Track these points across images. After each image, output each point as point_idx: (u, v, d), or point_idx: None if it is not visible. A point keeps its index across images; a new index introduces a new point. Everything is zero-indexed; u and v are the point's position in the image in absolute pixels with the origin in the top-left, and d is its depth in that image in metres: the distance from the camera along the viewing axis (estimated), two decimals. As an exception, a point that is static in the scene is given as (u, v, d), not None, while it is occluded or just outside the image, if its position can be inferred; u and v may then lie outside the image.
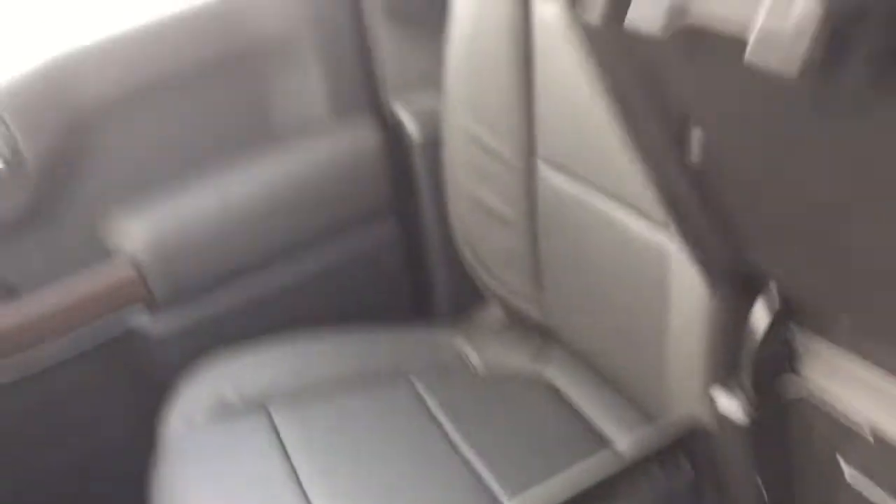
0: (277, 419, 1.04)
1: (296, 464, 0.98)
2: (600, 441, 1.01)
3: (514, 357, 1.15)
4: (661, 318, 0.87)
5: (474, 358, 1.16)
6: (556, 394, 1.09)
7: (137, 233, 1.13)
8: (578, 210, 0.98)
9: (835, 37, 0.39)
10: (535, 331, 1.16)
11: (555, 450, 1.00)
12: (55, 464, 1.19)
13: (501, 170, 1.06)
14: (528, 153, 1.04)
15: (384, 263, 1.28)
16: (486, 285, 1.16)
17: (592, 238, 0.97)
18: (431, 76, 1.17)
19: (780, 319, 0.67)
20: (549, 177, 1.02)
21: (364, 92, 1.24)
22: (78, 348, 1.14)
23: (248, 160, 1.20)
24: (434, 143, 1.17)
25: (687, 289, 0.81)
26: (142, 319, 1.16)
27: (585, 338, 1.06)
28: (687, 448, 0.84)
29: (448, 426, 1.03)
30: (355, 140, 1.23)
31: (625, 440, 0.98)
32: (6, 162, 1.06)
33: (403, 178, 1.24)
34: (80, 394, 1.18)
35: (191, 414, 1.06)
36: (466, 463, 0.98)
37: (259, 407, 1.06)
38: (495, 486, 0.95)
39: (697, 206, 0.63)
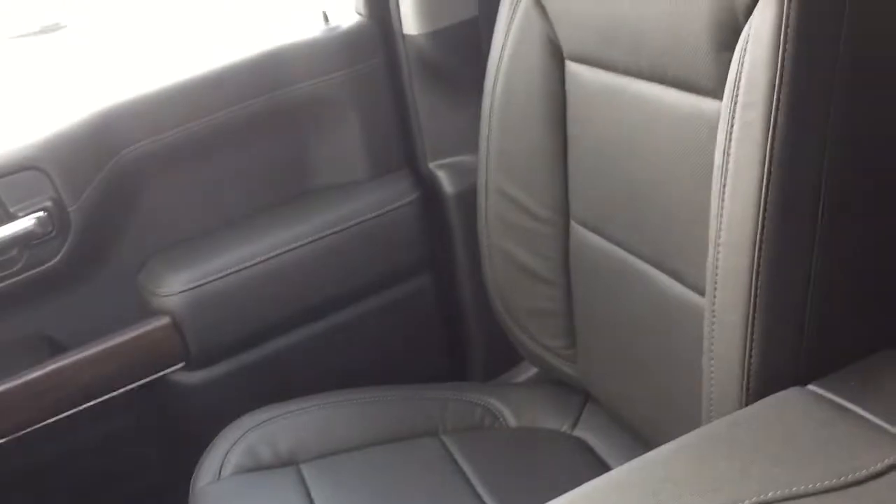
0: (307, 476, 1.04)
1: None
2: None
3: (548, 416, 1.14)
4: (700, 381, 0.86)
5: (508, 417, 1.15)
6: (590, 454, 1.07)
7: (176, 288, 1.15)
8: (614, 270, 0.97)
9: None
10: (571, 389, 1.15)
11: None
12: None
13: (535, 227, 1.07)
14: (562, 213, 1.05)
15: (419, 319, 1.28)
16: (520, 342, 1.15)
17: (629, 298, 0.96)
18: (467, 134, 1.19)
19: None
20: (584, 237, 1.02)
21: (401, 150, 1.25)
22: (114, 401, 1.15)
23: (287, 215, 1.22)
24: (469, 200, 1.17)
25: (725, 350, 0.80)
26: (178, 374, 1.17)
27: (622, 398, 1.05)
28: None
29: (475, 481, 1.02)
30: (392, 197, 1.24)
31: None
32: (50, 214, 1.09)
33: (439, 234, 1.25)
34: (115, 445, 1.19)
35: (223, 468, 1.06)
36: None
37: (290, 463, 1.06)
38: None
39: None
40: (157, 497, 1.22)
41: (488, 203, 1.12)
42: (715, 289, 0.73)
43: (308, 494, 1.01)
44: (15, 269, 1.09)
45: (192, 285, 1.15)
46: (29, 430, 1.10)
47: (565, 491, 1.04)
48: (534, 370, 1.23)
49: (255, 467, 1.06)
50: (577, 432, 1.11)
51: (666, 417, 0.97)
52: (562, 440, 1.11)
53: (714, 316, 0.74)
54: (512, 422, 1.14)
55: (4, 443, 1.09)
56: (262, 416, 1.13)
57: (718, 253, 0.72)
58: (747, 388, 0.72)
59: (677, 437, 0.97)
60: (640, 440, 1.05)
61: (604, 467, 1.05)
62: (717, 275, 0.73)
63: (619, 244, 0.96)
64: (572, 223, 1.04)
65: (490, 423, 1.14)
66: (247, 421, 1.11)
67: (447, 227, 1.24)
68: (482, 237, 1.14)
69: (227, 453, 1.08)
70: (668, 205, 0.86)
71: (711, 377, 0.77)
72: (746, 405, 0.74)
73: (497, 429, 1.14)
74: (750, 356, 0.72)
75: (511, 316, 1.15)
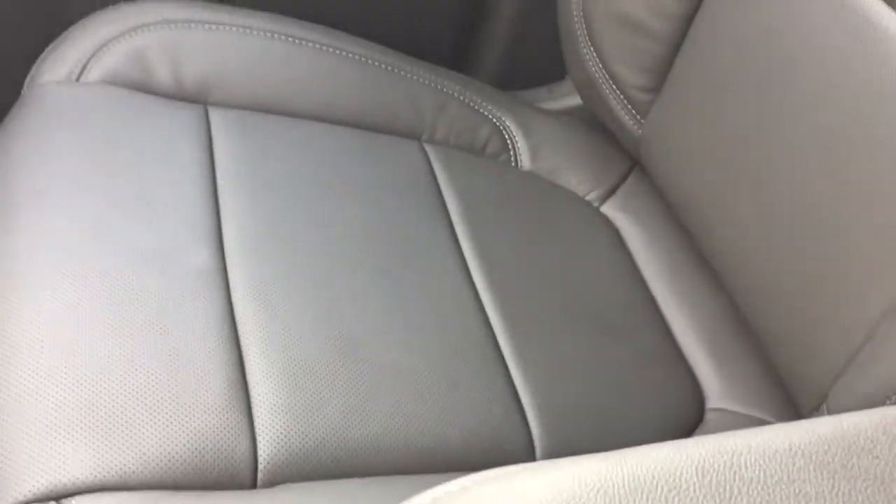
0: (215, 125, 0.67)
1: (221, 185, 0.63)
2: (663, 330, 0.69)
3: (575, 173, 0.79)
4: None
5: (522, 152, 0.79)
6: (614, 240, 0.75)
7: None
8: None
9: None
10: (616, 149, 0.80)
11: (591, 314, 0.67)
12: None
13: None
14: None
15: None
16: (579, 57, 0.76)
17: (783, 37, 0.59)
18: None
19: None
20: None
21: None
22: None
23: None
24: None
25: None
26: None
27: (693, 189, 0.71)
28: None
29: (457, 220, 0.68)
30: None
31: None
32: None
33: None
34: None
35: (86, 69, 0.67)
36: (467, 277, 0.65)
37: (194, 99, 0.69)
38: (497, 323, 0.63)
39: None
40: None
41: None
42: None
43: (209, 150, 0.65)
44: None
45: None
46: None
47: (572, 289, 0.73)
48: (572, 100, 0.86)
49: (142, 86, 0.67)
50: (608, 209, 0.78)
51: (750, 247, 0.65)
52: (584, 212, 0.77)
53: None
54: (525, 161, 0.79)
55: None
56: (170, 11, 0.71)
57: None
58: None
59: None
60: (692, 250, 0.73)
61: (632, 266, 0.73)
62: None
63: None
64: None
65: (495, 152, 0.78)
66: (143, 10, 0.70)
67: None
68: None
69: (101, 47, 0.68)
70: None
71: None
72: None
73: (502, 163, 0.78)
74: None
75: (587, 14, 0.74)
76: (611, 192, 0.79)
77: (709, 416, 0.64)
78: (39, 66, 0.68)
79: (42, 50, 0.70)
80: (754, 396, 0.65)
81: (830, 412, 0.54)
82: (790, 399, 0.62)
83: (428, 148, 0.74)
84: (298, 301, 0.57)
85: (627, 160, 0.80)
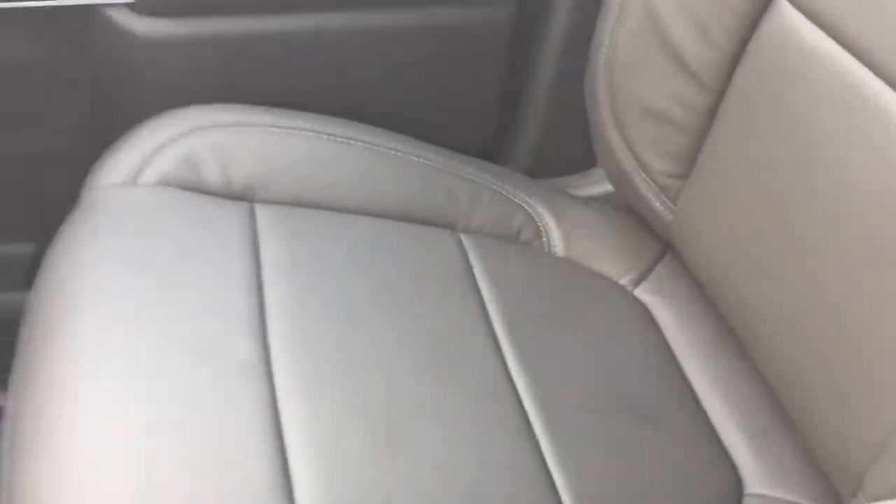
0: (261, 221, 0.71)
1: (266, 279, 0.66)
2: (698, 413, 0.69)
3: (609, 256, 0.81)
4: None
5: (555, 238, 0.81)
6: (650, 327, 0.76)
7: None
8: (812, 79, 0.61)
9: None
10: (648, 233, 0.82)
11: (626, 398, 0.68)
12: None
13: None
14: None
15: (474, 61, 0.89)
16: (607, 145, 0.79)
17: (815, 122, 0.61)
18: None
19: None
20: (790, 22, 0.63)
21: None
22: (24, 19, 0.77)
23: None
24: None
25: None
26: (119, 11, 0.78)
27: (726, 272, 0.72)
28: None
29: (492, 308, 0.70)
30: None
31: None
32: None
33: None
34: (11, 73, 0.82)
35: (144, 170, 0.72)
36: (501, 363, 0.66)
37: (242, 197, 0.73)
38: (532, 410, 0.64)
39: None
40: (49, 166, 0.87)
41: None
42: None
43: (255, 246, 0.68)
44: None
45: None
46: None
47: (605, 370, 0.74)
48: (603, 187, 0.88)
49: (193, 186, 0.72)
50: (641, 292, 0.79)
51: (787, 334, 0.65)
52: (617, 295, 0.78)
53: None
54: (558, 247, 0.81)
55: None
56: (219, 116, 0.76)
57: None
58: None
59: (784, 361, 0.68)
60: (726, 333, 0.74)
61: (666, 350, 0.74)
62: None
63: (843, 39, 0.59)
64: (780, -1, 0.65)
65: (529, 239, 0.81)
66: (193, 115, 0.75)
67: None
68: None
69: (155, 151, 0.72)
70: None
71: None
72: None
73: (536, 249, 0.81)
74: None
75: (613, 105, 0.78)
76: (644, 276, 0.80)
77: (747, 502, 0.64)
78: (98, 170, 0.72)
79: (100, 155, 0.74)
80: (793, 481, 0.65)
81: (868, 499, 0.54)
82: (829, 484, 0.62)
83: (463, 237, 0.77)
84: (341, 394, 0.59)
85: (660, 244, 0.82)
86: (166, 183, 0.71)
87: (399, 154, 0.80)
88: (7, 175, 0.88)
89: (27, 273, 0.91)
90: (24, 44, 0.80)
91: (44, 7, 0.76)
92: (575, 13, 0.86)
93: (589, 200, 0.88)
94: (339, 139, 0.78)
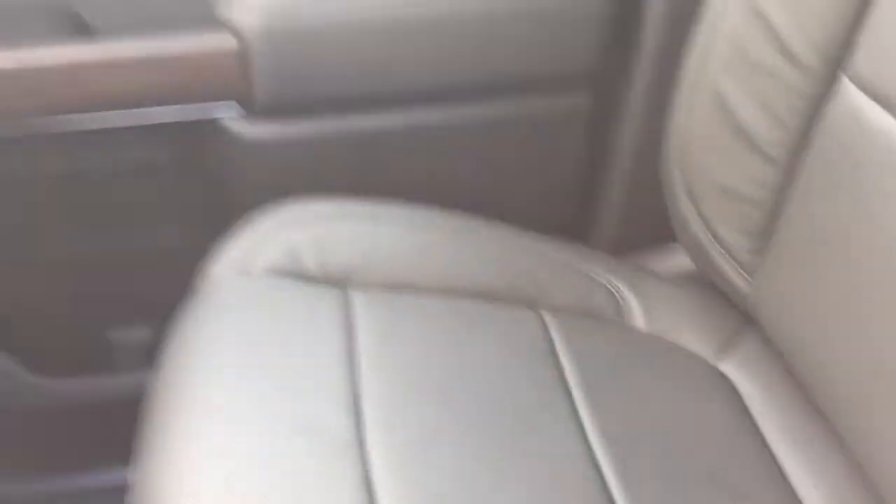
0: (356, 307, 0.76)
1: (360, 359, 0.71)
2: (784, 488, 0.70)
3: (689, 329, 0.83)
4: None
5: (636, 313, 0.84)
6: (734, 400, 0.78)
7: (253, 5, 0.82)
8: (878, 159, 0.63)
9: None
10: (728, 304, 0.84)
11: (711, 473, 0.70)
12: (86, 253, 0.96)
13: (784, 72, 0.71)
14: (830, 61, 0.69)
15: (554, 146, 0.94)
16: (684, 222, 0.82)
17: (883, 201, 0.63)
18: None
19: None
20: (857, 106, 0.66)
21: None
22: (141, 125, 0.86)
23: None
24: (685, 6, 0.81)
25: None
26: (231, 119, 0.87)
27: (806, 348, 0.74)
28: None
29: (573, 383, 0.73)
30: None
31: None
32: None
33: (624, 39, 0.89)
34: (128, 181, 0.92)
35: (254, 260, 0.79)
36: (583, 439, 0.69)
37: (339, 284, 0.78)
38: (615, 486, 0.66)
39: None
40: (165, 257, 0.96)
41: (722, 17, 0.75)
42: None
43: (347, 329, 0.73)
44: None
45: (281, 4, 0.83)
46: (33, 119, 0.83)
47: (691, 450, 0.76)
48: (682, 262, 0.91)
49: (296, 274, 0.78)
50: (724, 365, 0.81)
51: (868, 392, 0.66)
52: (699, 369, 0.80)
53: None
54: (640, 321, 0.84)
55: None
56: (318, 209, 0.83)
57: None
58: None
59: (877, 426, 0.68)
60: (810, 406, 0.75)
61: (750, 423, 0.75)
62: None
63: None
64: (844, 80, 0.68)
65: (610, 314, 0.84)
66: (297, 211, 0.82)
67: (639, 34, 0.88)
68: (691, 63, 0.79)
69: (262, 243, 0.79)
70: None
71: None
72: None
73: (618, 325, 0.84)
74: None
75: (687, 183, 0.81)
76: (725, 349, 0.82)
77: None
78: (212, 260, 0.80)
79: (212, 247, 0.82)
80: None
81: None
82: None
83: (545, 315, 0.80)
84: (429, 470, 0.63)
85: (739, 316, 0.83)
86: (272, 272, 0.78)
87: (482, 237, 0.85)
88: (127, 265, 0.98)
89: (145, 354, 0.99)
90: (147, 148, 0.90)
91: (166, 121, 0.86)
92: (649, 97, 0.90)
93: (668, 275, 0.91)
94: (427, 226, 0.84)
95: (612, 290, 0.85)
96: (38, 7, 0.84)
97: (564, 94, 0.92)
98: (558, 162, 0.96)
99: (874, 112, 0.65)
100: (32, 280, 0.96)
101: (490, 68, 0.88)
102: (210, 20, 0.84)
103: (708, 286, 0.85)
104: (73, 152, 0.89)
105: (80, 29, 0.85)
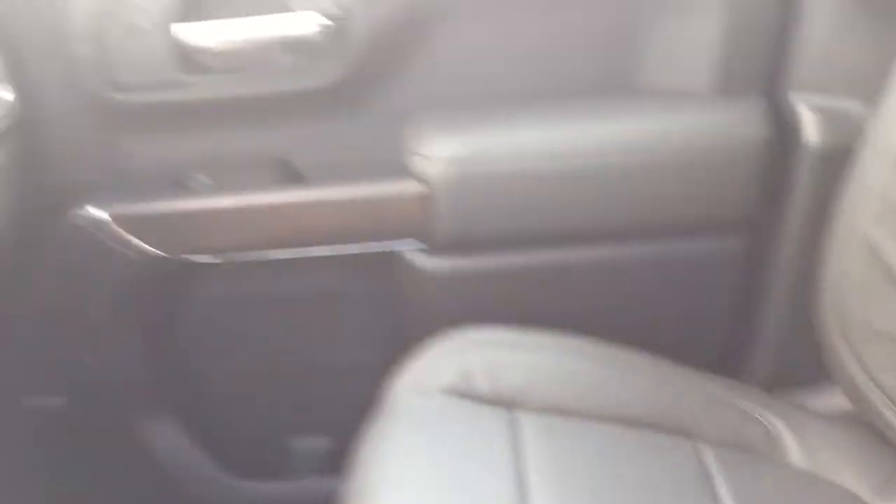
0: (523, 428, 0.83)
1: (529, 481, 0.77)
2: None
3: (846, 468, 0.85)
4: None
5: (793, 449, 0.87)
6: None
7: (445, 154, 0.94)
8: None
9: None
10: (884, 443, 0.85)
11: None
12: (278, 365, 1.08)
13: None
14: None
15: (707, 287, 1.01)
16: (838, 364, 0.86)
17: None
18: (864, 69, 0.87)
19: None
20: None
21: (761, 64, 0.95)
22: (338, 258, 0.99)
23: (593, 108, 0.98)
24: (837, 159, 0.87)
25: None
26: (415, 254, 0.98)
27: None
28: None
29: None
30: (733, 125, 0.95)
31: None
32: (334, 20, 0.91)
33: (777, 190, 0.95)
34: (329, 306, 1.04)
35: (431, 380, 0.87)
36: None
37: (508, 406, 0.86)
38: None
39: None
40: (347, 373, 1.07)
41: (874, 172, 0.81)
42: None
43: (515, 450, 0.80)
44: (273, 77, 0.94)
45: (463, 157, 0.95)
46: (250, 250, 0.98)
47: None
48: (836, 399, 0.93)
49: (468, 395, 0.86)
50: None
51: None
52: (858, 508, 0.82)
53: None
54: (797, 458, 0.86)
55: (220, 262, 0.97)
56: (490, 335, 0.92)
57: None
58: None
59: None
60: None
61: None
62: None
63: None
64: None
65: (767, 450, 0.87)
66: (470, 337, 0.91)
67: (792, 185, 0.94)
68: (843, 214, 0.84)
69: (439, 364, 0.88)
70: None
71: None
72: None
73: (774, 460, 0.87)
74: None
75: (843, 327, 0.85)
76: (883, 489, 0.83)
77: None
78: (395, 378, 0.89)
79: (393, 367, 0.92)
80: None
81: None
82: None
83: (701, 447, 0.84)
84: None
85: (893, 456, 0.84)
86: (448, 391, 0.86)
87: (643, 368, 0.91)
88: (313, 379, 1.09)
89: (325, 462, 1.09)
90: (341, 276, 1.03)
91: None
92: (803, 241, 0.95)
93: (822, 412, 0.93)
94: (589, 355, 0.91)
95: (767, 424, 0.88)
96: (262, 159, 1.00)
97: (722, 236, 0.99)
98: (711, 298, 1.01)
99: None
100: (234, 385, 1.09)
101: (651, 213, 0.96)
102: (400, 168, 0.96)
103: (864, 425, 0.87)
104: (281, 278, 1.03)
105: (293, 177, 1.00)
